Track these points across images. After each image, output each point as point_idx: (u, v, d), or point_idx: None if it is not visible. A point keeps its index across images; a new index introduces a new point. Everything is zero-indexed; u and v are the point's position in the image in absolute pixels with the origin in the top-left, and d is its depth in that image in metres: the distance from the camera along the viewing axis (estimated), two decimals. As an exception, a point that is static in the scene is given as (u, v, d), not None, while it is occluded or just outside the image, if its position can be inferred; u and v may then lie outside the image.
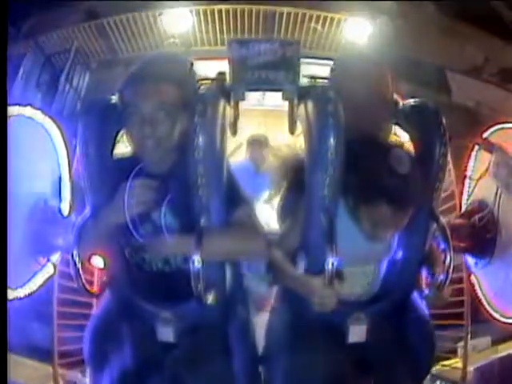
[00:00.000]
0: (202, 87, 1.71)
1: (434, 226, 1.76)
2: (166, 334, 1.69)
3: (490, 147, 2.38)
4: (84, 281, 1.72)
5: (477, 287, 2.54)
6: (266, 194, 3.01)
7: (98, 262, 1.80)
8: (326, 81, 1.86)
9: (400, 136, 1.82)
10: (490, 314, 2.52)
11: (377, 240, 1.67)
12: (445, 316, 2.60)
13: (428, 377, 2.86)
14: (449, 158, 1.80)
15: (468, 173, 2.54)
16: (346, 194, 1.65)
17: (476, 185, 2.47)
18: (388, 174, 1.57)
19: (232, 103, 1.88)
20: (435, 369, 3.13)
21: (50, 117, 2.23)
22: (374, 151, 1.63)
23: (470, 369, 3.08)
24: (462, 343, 3.18)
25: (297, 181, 1.72)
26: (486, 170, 2.38)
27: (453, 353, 3.30)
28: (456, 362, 3.25)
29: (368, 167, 1.61)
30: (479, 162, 2.49)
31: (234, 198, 1.66)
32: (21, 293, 2.12)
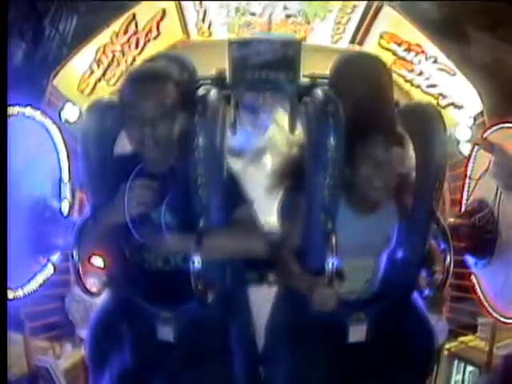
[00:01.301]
0: (201, 87, 1.72)
1: (435, 226, 1.76)
2: (166, 333, 1.69)
3: (489, 147, 2.39)
4: (84, 281, 1.72)
5: (477, 287, 2.54)
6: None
7: (97, 262, 1.80)
8: (326, 80, 1.86)
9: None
10: (490, 314, 2.52)
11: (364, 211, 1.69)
12: (463, 288, 2.46)
13: (445, 354, 2.75)
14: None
15: (468, 173, 2.55)
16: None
17: (476, 185, 2.47)
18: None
19: (232, 103, 1.88)
20: (453, 345, 2.93)
21: (50, 117, 2.23)
22: (373, 150, 1.64)
23: (497, 353, 2.67)
24: (481, 319, 2.87)
25: (297, 181, 1.72)
26: (486, 169, 2.39)
27: (471, 329, 2.98)
28: (474, 340, 2.95)
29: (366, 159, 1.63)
30: (479, 162, 2.50)
31: (234, 198, 1.66)
32: (21, 293, 2.12)
